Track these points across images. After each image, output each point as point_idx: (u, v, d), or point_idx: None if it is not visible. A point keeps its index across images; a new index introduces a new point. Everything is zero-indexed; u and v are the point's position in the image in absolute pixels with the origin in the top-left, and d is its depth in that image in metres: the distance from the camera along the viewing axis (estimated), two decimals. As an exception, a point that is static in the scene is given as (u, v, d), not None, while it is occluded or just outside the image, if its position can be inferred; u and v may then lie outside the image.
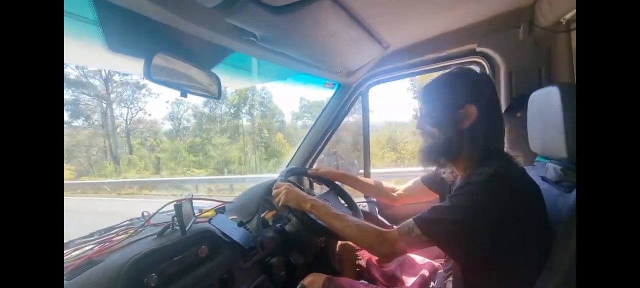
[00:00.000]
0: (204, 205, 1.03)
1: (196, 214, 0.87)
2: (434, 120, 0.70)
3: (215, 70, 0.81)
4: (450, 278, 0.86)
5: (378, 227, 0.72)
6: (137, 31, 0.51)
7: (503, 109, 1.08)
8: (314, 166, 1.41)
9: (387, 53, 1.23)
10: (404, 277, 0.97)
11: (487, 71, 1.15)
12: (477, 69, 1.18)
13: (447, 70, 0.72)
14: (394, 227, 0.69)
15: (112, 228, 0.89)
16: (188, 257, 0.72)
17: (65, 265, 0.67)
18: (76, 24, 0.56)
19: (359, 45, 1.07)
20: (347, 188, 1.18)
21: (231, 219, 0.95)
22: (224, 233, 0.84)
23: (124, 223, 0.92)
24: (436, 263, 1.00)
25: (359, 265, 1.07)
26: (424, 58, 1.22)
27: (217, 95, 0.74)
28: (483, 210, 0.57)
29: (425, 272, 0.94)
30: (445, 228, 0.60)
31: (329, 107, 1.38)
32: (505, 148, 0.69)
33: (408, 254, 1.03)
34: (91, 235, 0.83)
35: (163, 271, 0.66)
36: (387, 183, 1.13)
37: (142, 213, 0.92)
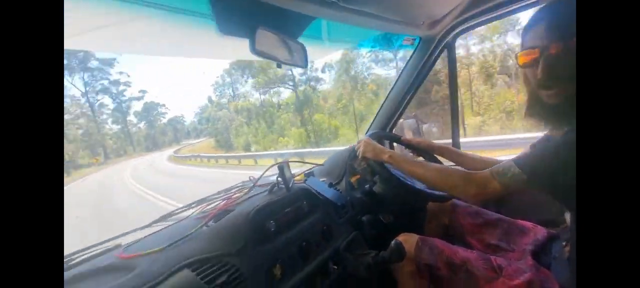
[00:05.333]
0: (295, 170, 1.15)
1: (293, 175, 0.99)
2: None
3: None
4: (568, 248, 0.73)
5: (464, 169, 0.67)
6: (242, 10, 0.58)
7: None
8: (394, 131, 1.37)
9: (481, -9, 1.04)
10: (512, 246, 0.88)
11: None
12: None
13: None
14: None
15: (230, 188, 1.10)
16: (294, 211, 0.83)
17: (209, 212, 0.87)
18: (193, 21, 0.68)
19: (446, -14, 0.94)
20: None
21: (321, 181, 1.03)
22: (318, 192, 0.93)
23: (238, 185, 1.13)
24: (553, 231, 0.86)
25: (452, 231, 1.02)
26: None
27: (305, 64, 0.78)
28: None
29: (539, 239, 0.83)
30: (550, 165, 0.50)
31: (409, 65, 1.29)
32: None
33: (515, 222, 0.92)
34: (218, 193, 1.05)
35: (278, 220, 0.78)
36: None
37: (249, 178, 1.10)
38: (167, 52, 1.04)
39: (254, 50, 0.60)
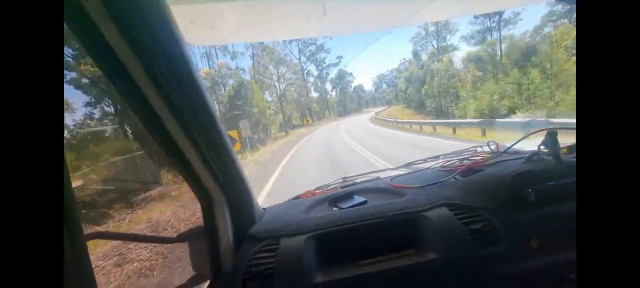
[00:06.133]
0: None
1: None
2: None
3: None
4: None
5: None
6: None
7: None
8: None
9: None
10: None
11: None
12: None
13: None
14: None
15: (463, 151, 1.13)
16: (564, 185, 0.73)
17: (452, 167, 0.96)
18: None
19: None
20: None
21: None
22: None
23: (471, 149, 1.14)
24: None
25: None
26: None
27: None
28: None
29: None
30: None
31: None
32: None
33: None
34: (453, 153, 1.12)
35: (539, 191, 0.72)
36: None
37: (488, 143, 1.07)
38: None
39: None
